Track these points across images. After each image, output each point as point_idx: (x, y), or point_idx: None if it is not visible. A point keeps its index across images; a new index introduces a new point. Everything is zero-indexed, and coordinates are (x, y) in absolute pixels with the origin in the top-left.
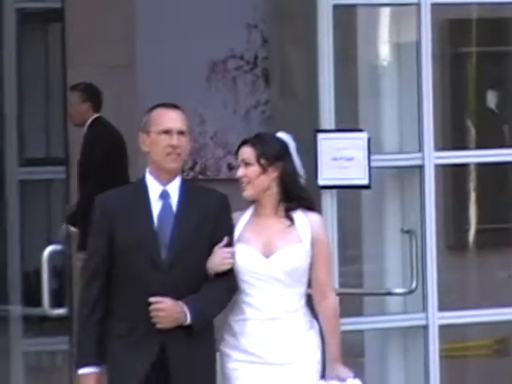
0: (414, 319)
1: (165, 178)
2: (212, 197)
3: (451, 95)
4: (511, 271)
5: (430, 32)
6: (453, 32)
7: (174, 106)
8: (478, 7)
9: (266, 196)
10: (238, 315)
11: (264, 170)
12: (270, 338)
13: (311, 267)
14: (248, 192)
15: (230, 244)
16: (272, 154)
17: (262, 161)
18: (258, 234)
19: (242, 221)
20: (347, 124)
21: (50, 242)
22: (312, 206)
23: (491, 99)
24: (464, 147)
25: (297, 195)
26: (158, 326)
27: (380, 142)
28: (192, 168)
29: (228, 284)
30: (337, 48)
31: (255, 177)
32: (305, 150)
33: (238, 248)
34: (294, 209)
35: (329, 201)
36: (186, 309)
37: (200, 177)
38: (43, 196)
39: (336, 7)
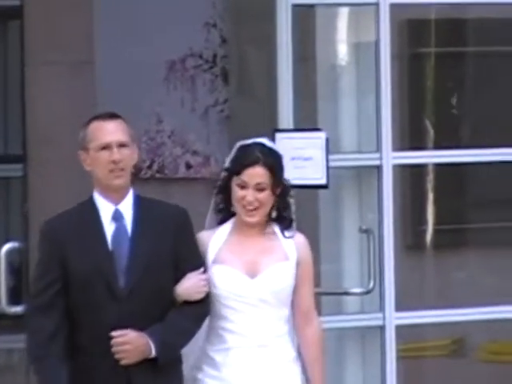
0: (371, 319)
1: (114, 196)
2: (170, 213)
3: (410, 95)
4: (468, 272)
5: (388, 32)
6: (411, 32)
7: (111, 116)
8: (436, 8)
9: (263, 217)
10: (218, 344)
11: (274, 193)
12: (257, 367)
13: (294, 290)
14: (257, 218)
15: (199, 265)
16: (282, 173)
17: (276, 184)
18: (238, 253)
19: (218, 240)
20: (305, 124)
21: (7, 240)
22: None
23: (449, 100)
24: (422, 147)
25: (287, 214)
26: (123, 362)
27: (338, 141)
28: (150, 167)
29: (198, 310)
30: (296, 47)
31: (267, 202)
32: None
33: (217, 269)
34: (287, 228)
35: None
36: (149, 340)
37: (157, 175)
38: (1, 193)
39: (295, 7)
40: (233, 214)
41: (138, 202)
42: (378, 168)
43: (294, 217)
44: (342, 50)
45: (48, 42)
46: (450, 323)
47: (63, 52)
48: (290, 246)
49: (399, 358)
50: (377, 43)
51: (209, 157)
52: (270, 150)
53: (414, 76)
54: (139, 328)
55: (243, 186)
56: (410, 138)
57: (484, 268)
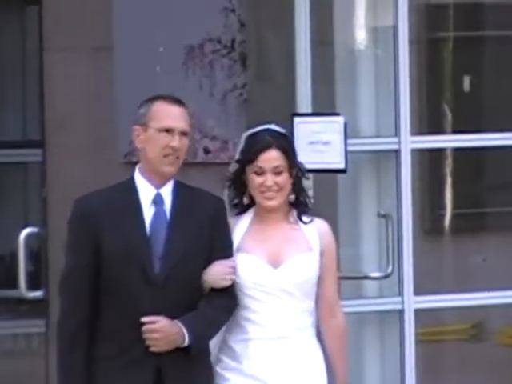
0: (390, 303)
1: (158, 180)
2: (208, 202)
3: (428, 80)
4: (486, 256)
5: (406, 17)
6: (430, 17)
7: (178, 101)
8: None
9: (284, 203)
10: (238, 334)
11: (291, 176)
12: (277, 359)
13: (318, 281)
14: (277, 201)
15: (229, 256)
16: (295, 155)
17: (292, 166)
18: (261, 242)
19: (240, 227)
20: (324, 108)
21: (26, 225)
22: (311, 212)
23: (468, 84)
24: (440, 132)
25: (304, 199)
26: (153, 349)
27: (356, 126)
28: None
29: (227, 302)
30: (314, 32)
31: (286, 185)
32: None
33: (240, 258)
34: (306, 214)
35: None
36: (183, 329)
37: None
38: (20, 179)
39: None
40: (248, 207)
41: (178, 188)
42: (397, 152)
43: (311, 201)
44: (360, 35)
45: (66, 27)
46: (468, 307)
47: (82, 37)
48: (313, 236)
49: (418, 342)
50: (395, 28)
51: (227, 141)
52: (279, 133)
53: (432, 60)
54: (171, 315)
55: (260, 173)
56: (428, 123)
57: (502, 252)
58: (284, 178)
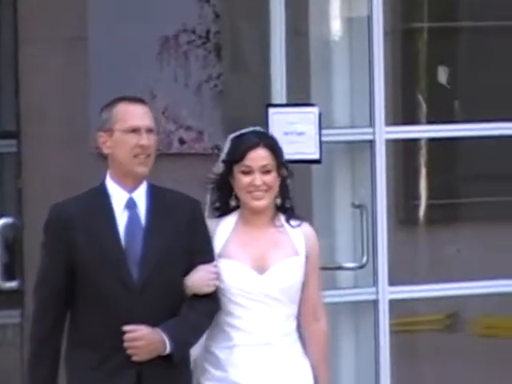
0: (365, 294)
1: (130, 183)
2: (184, 204)
3: (402, 70)
4: (460, 246)
5: (381, 7)
6: (404, 7)
7: (139, 100)
8: None
9: (270, 205)
10: (222, 341)
11: (279, 176)
12: (262, 366)
13: (302, 285)
14: (265, 201)
15: (210, 259)
16: (282, 155)
17: (280, 168)
18: (246, 246)
19: (223, 231)
20: (298, 99)
21: (1, 215)
22: (298, 216)
23: (442, 75)
24: (415, 122)
25: (289, 203)
26: (134, 358)
27: (331, 116)
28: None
29: (210, 307)
30: (288, 22)
31: (274, 185)
32: (255, 125)
33: (224, 264)
34: (293, 218)
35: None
36: (164, 336)
37: None
38: None
39: None
40: (230, 211)
41: (151, 191)
42: (371, 143)
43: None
44: (335, 25)
45: (41, 18)
46: (443, 297)
47: (56, 28)
48: (299, 239)
49: (392, 333)
50: (369, 18)
51: (202, 132)
52: (265, 133)
53: (407, 51)
54: (151, 323)
55: (248, 172)
56: (403, 113)
57: (477, 242)
58: (272, 178)
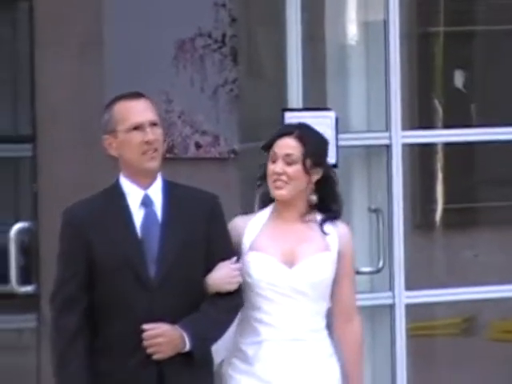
0: (381, 298)
1: (144, 180)
2: (202, 199)
3: (419, 75)
4: (477, 251)
5: (397, 11)
6: (421, 11)
7: (137, 95)
8: None
9: (299, 199)
10: (250, 337)
11: (306, 172)
12: (290, 362)
13: (334, 285)
14: (284, 192)
15: (230, 255)
16: (319, 154)
17: (308, 161)
18: (275, 240)
19: (255, 226)
20: (315, 103)
21: (17, 220)
22: (339, 216)
23: (459, 79)
24: (431, 127)
25: (332, 206)
26: (156, 356)
27: (347, 121)
28: None
29: (232, 302)
30: (304, 27)
31: (296, 177)
32: (270, 130)
33: (253, 257)
34: (329, 220)
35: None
36: (183, 333)
37: (167, 155)
38: (11, 173)
39: None
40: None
41: (167, 187)
42: (388, 147)
43: (339, 209)
44: (351, 30)
45: (57, 22)
46: (460, 302)
47: (72, 33)
48: (332, 236)
49: (409, 337)
50: (386, 22)
51: (218, 136)
52: (307, 127)
53: (424, 55)
54: (170, 320)
55: (274, 160)
56: (420, 117)
57: (494, 246)
58: (295, 170)
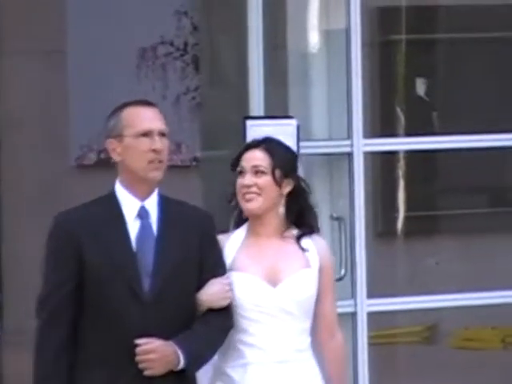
0: (343, 306)
1: (143, 191)
2: (196, 217)
3: (380, 83)
4: (439, 258)
5: (359, 19)
6: (382, 19)
7: (148, 103)
8: None
9: (272, 213)
10: (235, 360)
11: (276, 183)
12: None
13: (316, 301)
14: (256, 204)
15: (223, 273)
16: (288, 164)
17: (277, 172)
18: (257, 258)
19: (233, 244)
20: (276, 111)
21: None
22: (315, 230)
23: (420, 87)
24: (393, 134)
25: (306, 219)
26: (147, 372)
27: (309, 128)
28: None
29: (224, 322)
30: (266, 35)
31: (267, 188)
32: (232, 137)
33: (235, 277)
34: (306, 234)
35: None
36: (178, 350)
37: None
38: None
39: None
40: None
41: (163, 201)
42: (349, 155)
43: (314, 222)
44: (313, 38)
45: (21, 30)
46: (422, 310)
47: (36, 40)
48: (312, 251)
49: (371, 345)
50: (347, 30)
51: (180, 144)
52: (274, 140)
53: (385, 63)
54: (163, 336)
55: (242, 172)
56: (381, 125)
57: (455, 254)
58: (265, 180)
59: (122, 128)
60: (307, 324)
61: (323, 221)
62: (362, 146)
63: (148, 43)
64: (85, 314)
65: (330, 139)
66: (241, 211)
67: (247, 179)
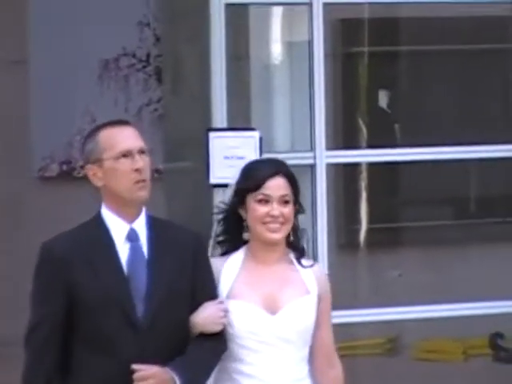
0: None
1: (130, 213)
2: (186, 237)
3: (343, 95)
4: (401, 270)
5: (322, 32)
6: (344, 32)
7: (123, 122)
8: (369, 8)
9: (283, 241)
10: None
11: (296, 210)
12: None
13: (314, 328)
14: (281, 235)
15: (215, 296)
16: (299, 189)
17: (297, 200)
18: (254, 285)
19: (231, 270)
20: (239, 122)
21: None
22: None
23: (383, 99)
24: (356, 146)
25: (297, 239)
26: None
27: (272, 140)
28: (83, 166)
29: (217, 345)
30: (229, 46)
31: (291, 217)
32: (196, 149)
33: (232, 305)
34: (303, 257)
35: (220, 199)
36: (175, 376)
37: None
38: None
39: (228, 6)
40: (236, 247)
41: (151, 222)
42: (312, 167)
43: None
44: (276, 49)
45: None
46: (384, 322)
47: None
48: (311, 279)
49: None
50: (310, 42)
51: None
52: (283, 162)
53: (347, 75)
54: (159, 361)
55: (266, 201)
56: (344, 137)
57: (418, 266)
58: (290, 210)
59: (100, 152)
60: (305, 352)
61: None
62: (325, 157)
63: (110, 55)
64: (77, 340)
65: (293, 151)
66: (234, 234)
67: (275, 209)
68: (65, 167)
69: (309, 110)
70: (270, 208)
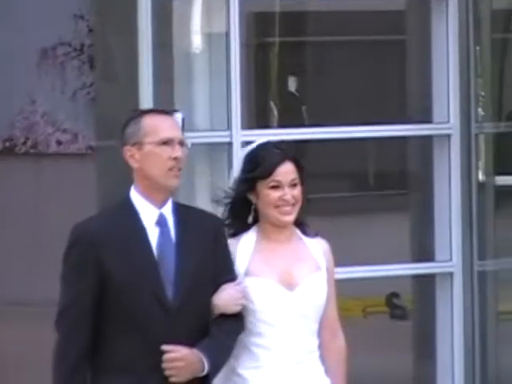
0: None
1: (160, 198)
2: (208, 221)
3: (256, 80)
4: None
5: (237, 23)
6: (258, 23)
7: (167, 112)
8: (281, 2)
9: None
10: (249, 362)
11: (304, 191)
12: None
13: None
14: (293, 216)
15: (235, 278)
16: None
17: (304, 181)
18: (270, 263)
19: (245, 249)
20: (164, 105)
21: None
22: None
23: (292, 84)
24: (268, 126)
25: (303, 217)
26: (173, 379)
27: (193, 121)
28: (24, 143)
29: (237, 327)
30: (155, 36)
31: (300, 198)
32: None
33: (251, 282)
34: (306, 232)
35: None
36: (203, 358)
37: (31, 151)
38: None
39: None
40: (246, 227)
41: (177, 207)
42: (229, 145)
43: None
44: (197, 39)
45: None
46: None
47: None
48: (319, 254)
49: None
50: (227, 33)
51: (77, 134)
52: (283, 145)
53: (261, 63)
54: (187, 342)
55: (277, 187)
56: (258, 118)
57: (322, 234)
58: (299, 191)
59: (142, 136)
60: (317, 325)
61: (204, 204)
62: (241, 136)
63: (48, 44)
64: (108, 322)
65: (212, 130)
66: (243, 218)
67: (287, 194)
68: (8, 144)
69: (226, 94)
70: (281, 193)
